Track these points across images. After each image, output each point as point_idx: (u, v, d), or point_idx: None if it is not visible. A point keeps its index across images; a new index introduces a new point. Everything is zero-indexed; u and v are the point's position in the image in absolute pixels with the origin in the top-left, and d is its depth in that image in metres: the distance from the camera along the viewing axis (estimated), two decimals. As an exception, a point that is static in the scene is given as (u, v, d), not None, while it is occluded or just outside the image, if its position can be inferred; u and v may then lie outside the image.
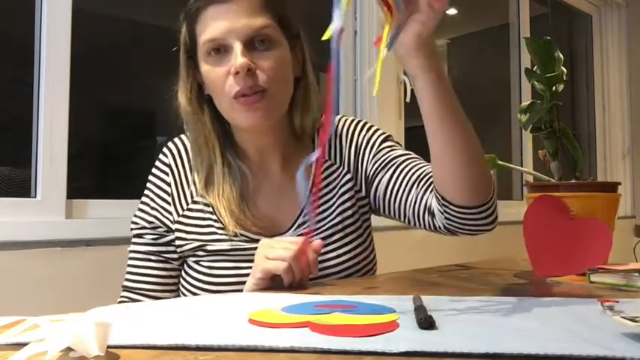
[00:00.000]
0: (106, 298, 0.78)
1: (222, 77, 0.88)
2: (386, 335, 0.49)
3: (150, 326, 0.54)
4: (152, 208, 0.98)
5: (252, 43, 0.88)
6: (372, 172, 0.98)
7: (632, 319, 0.49)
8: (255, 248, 0.86)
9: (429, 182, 0.90)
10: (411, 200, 0.92)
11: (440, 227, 0.88)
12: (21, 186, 1.45)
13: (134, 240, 0.99)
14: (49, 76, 1.41)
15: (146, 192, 1.01)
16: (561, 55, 1.02)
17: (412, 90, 2.44)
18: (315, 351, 0.45)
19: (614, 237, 0.92)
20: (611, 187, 1.01)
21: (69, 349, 0.41)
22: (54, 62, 1.42)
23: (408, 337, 0.48)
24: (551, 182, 1.02)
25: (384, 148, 0.99)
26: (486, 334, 0.49)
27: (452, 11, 4.59)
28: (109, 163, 1.94)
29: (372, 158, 0.99)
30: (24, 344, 0.42)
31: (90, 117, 1.84)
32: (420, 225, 0.93)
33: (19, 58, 1.55)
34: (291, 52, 0.94)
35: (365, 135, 1.01)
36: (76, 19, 1.46)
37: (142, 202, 1.00)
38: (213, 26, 0.88)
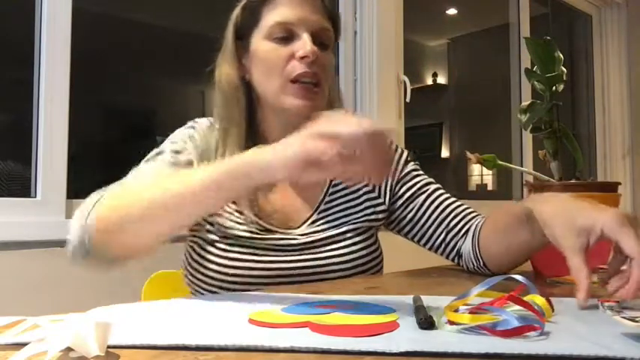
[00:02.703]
0: (106, 298, 0.78)
1: (284, 59, 0.90)
2: (386, 335, 0.49)
3: (150, 326, 0.54)
4: (195, 147, 0.93)
5: (316, 40, 0.91)
6: (399, 194, 1.02)
7: (632, 319, 0.49)
8: (271, 238, 0.88)
9: (460, 227, 0.98)
10: (440, 235, 1.00)
11: (463, 266, 0.99)
12: (20, 184, 1.45)
13: (158, 157, 0.91)
14: (49, 76, 1.41)
15: (178, 137, 0.95)
16: (561, 55, 1.02)
17: (412, 90, 2.44)
18: (315, 351, 0.45)
19: (614, 237, 0.92)
20: (611, 187, 1.01)
21: (69, 349, 0.41)
22: (54, 62, 1.42)
23: (408, 337, 0.48)
24: (551, 182, 1.02)
25: (410, 172, 1.04)
26: (486, 334, 0.49)
27: (452, 11, 4.60)
28: (109, 163, 1.94)
29: (398, 178, 1.03)
30: (24, 344, 0.42)
31: (90, 117, 1.84)
32: (442, 256, 1.02)
33: (19, 58, 1.55)
34: None
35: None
36: (76, 19, 1.46)
37: (173, 142, 0.94)
38: (286, 12, 0.91)
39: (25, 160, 1.42)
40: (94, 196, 0.82)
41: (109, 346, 0.44)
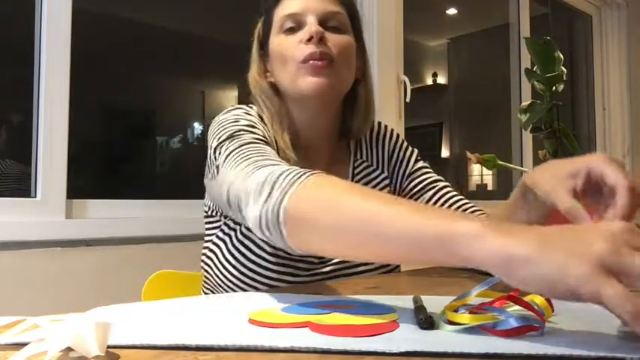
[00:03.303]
0: (106, 298, 0.78)
1: (294, 45, 0.91)
2: (386, 335, 0.49)
3: (150, 326, 0.54)
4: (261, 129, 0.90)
5: (325, 25, 0.93)
6: (407, 188, 1.04)
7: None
8: None
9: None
10: None
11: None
12: (18, 182, 1.45)
13: (237, 134, 0.85)
14: (49, 76, 1.41)
15: (235, 116, 0.90)
16: (561, 55, 1.02)
17: (412, 90, 2.44)
18: (315, 351, 0.45)
19: (614, 237, 0.92)
20: (611, 187, 1.01)
21: (69, 349, 0.41)
22: (54, 62, 1.42)
23: (408, 337, 0.48)
24: (551, 182, 1.02)
25: (420, 168, 1.06)
26: (486, 333, 0.49)
27: (452, 11, 4.60)
28: (108, 163, 1.94)
29: (407, 174, 1.05)
30: (24, 344, 0.42)
31: (90, 117, 1.84)
32: None
33: (19, 58, 1.55)
34: (356, 51, 0.98)
35: (396, 145, 1.08)
36: (76, 19, 1.46)
37: (236, 119, 0.89)
38: (291, 4, 0.94)
39: (25, 160, 1.42)
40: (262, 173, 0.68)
41: (109, 346, 0.44)
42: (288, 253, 0.84)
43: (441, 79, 4.93)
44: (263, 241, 0.85)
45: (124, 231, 1.44)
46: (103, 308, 0.62)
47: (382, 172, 1.05)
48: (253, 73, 0.99)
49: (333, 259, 0.93)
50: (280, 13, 0.95)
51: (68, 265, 1.35)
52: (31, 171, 1.41)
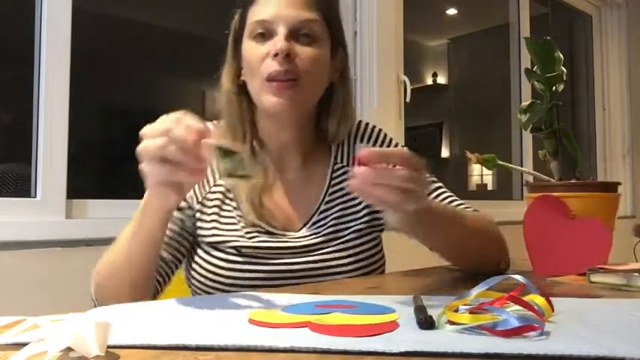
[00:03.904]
0: (106, 298, 0.78)
1: (261, 57, 0.90)
2: (386, 335, 0.49)
3: (150, 326, 0.54)
4: None
5: (297, 34, 0.90)
6: None
7: None
8: (273, 248, 0.89)
9: None
10: None
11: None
12: (15, 184, 1.45)
13: None
14: (49, 76, 1.41)
15: None
16: (561, 55, 1.02)
17: (412, 90, 2.43)
18: (315, 351, 0.45)
19: (614, 237, 0.92)
20: (611, 187, 1.01)
21: (69, 349, 0.41)
22: (54, 62, 1.42)
23: (408, 337, 0.48)
24: (551, 182, 1.02)
25: None
26: (486, 333, 0.49)
27: (452, 11, 4.60)
28: (108, 163, 1.94)
29: None
30: (24, 344, 0.42)
31: (90, 117, 1.84)
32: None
33: (19, 58, 1.55)
34: (332, 56, 0.96)
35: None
36: (76, 19, 1.46)
37: None
38: (262, 9, 0.91)
39: (25, 160, 1.42)
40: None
41: (109, 346, 0.44)
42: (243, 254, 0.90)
43: (441, 79, 4.93)
44: (215, 246, 0.91)
45: (124, 231, 1.44)
46: (103, 308, 0.62)
47: None
48: (225, 78, 0.98)
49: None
50: (252, 17, 0.92)
51: (68, 265, 1.35)
52: (30, 171, 1.41)
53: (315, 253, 0.92)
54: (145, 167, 0.66)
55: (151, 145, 0.64)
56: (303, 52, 0.90)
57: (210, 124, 0.98)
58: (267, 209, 0.93)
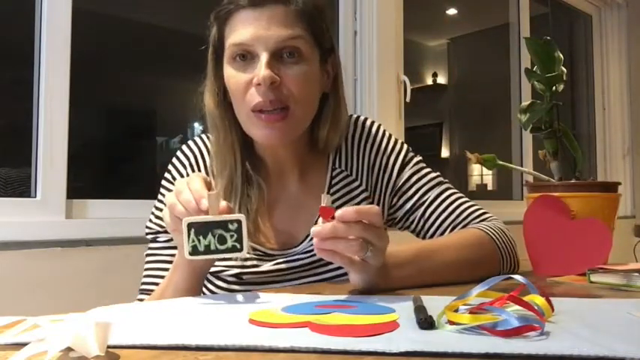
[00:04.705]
0: (106, 298, 0.78)
1: (244, 86, 0.84)
2: (386, 335, 0.49)
3: (150, 326, 0.54)
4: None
5: (280, 54, 0.84)
6: (397, 205, 0.99)
7: None
8: (273, 271, 0.88)
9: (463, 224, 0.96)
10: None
11: None
12: (15, 188, 1.45)
13: (150, 245, 0.96)
14: (49, 76, 1.41)
15: (161, 195, 0.97)
16: (561, 55, 1.02)
17: (412, 90, 2.43)
18: (315, 351, 0.45)
19: (614, 237, 0.92)
20: (611, 187, 1.01)
21: (69, 349, 0.41)
22: (54, 62, 1.42)
23: (408, 337, 0.48)
24: (551, 182, 1.02)
25: (407, 180, 0.99)
26: (486, 333, 0.49)
27: (452, 11, 4.60)
28: (109, 163, 1.94)
29: (394, 189, 0.99)
30: (24, 344, 0.42)
31: (90, 117, 1.84)
32: None
33: (19, 58, 1.55)
34: (322, 66, 0.91)
35: (378, 151, 1.00)
36: (76, 19, 1.46)
37: (156, 208, 0.95)
38: (241, 31, 0.84)
39: (26, 160, 1.42)
40: None
41: (109, 346, 0.44)
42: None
43: (441, 79, 4.93)
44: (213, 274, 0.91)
45: (124, 231, 1.44)
46: (103, 308, 0.62)
47: (361, 184, 0.98)
48: (208, 98, 0.92)
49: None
50: (230, 38, 0.86)
51: (68, 265, 1.35)
52: (31, 172, 1.41)
53: (314, 272, 0.90)
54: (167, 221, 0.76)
55: (167, 202, 0.74)
56: (290, 74, 0.84)
57: (202, 138, 0.99)
58: (264, 232, 0.92)
